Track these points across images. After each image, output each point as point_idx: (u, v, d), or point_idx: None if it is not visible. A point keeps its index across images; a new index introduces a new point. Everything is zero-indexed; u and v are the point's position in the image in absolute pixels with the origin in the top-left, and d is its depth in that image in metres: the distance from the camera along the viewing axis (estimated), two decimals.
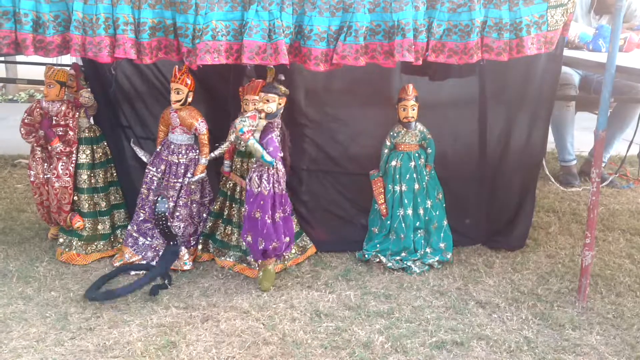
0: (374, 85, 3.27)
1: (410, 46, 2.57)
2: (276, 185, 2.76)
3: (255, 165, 2.78)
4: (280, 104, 2.76)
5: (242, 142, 2.76)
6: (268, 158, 2.68)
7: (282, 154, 2.79)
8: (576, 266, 3.08)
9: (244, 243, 2.88)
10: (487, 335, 2.50)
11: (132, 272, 3.01)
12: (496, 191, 3.33)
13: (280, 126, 2.82)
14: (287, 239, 2.86)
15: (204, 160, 3.07)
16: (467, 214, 3.35)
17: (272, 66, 2.76)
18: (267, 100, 2.72)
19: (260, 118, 2.72)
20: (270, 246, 2.77)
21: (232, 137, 2.79)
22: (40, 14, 2.54)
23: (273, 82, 2.79)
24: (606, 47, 3.35)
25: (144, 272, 2.99)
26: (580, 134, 4.67)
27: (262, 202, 2.73)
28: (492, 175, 3.33)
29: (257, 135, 2.72)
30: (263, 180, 2.73)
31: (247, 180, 2.79)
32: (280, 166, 2.78)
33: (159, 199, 2.99)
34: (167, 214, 2.98)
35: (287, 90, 2.84)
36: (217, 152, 2.95)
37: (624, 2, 2.51)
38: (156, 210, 2.98)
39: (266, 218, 2.74)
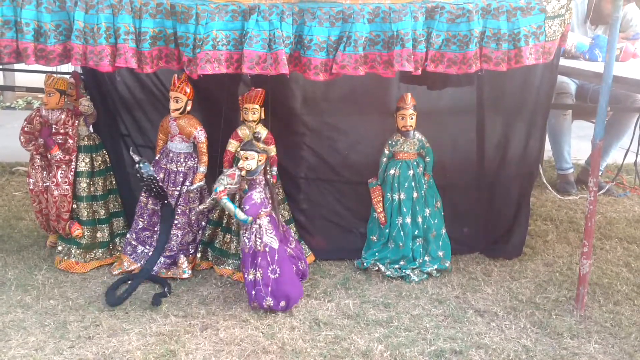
0: (372, 94, 3.29)
1: (409, 56, 2.59)
2: (258, 242, 2.70)
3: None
4: (260, 161, 2.77)
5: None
6: (241, 216, 2.69)
7: (267, 209, 2.75)
8: (574, 274, 3.09)
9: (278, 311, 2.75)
10: (485, 344, 2.51)
11: (129, 282, 3.00)
12: (494, 199, 3.35)
13: (262, 183, 2.80)
14: (282, 302, 2.73)
15: (202, 169, 3.08)
16: (465, 223, 3.37)
17: (247, 125, 2.85)
18: (247, 158, 2.73)
19: (239, 176, 2.75)
20: (265, 304, 2.70)
21: (213, 194, 2.78)
22: (42, 24, 2.55)
23: (251, 140, 2.81)
24: (602, 57, 3.38)
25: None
26: (577, 142, 4.70)
27: (244, 260, 2.73)
28: (490, 183, 3.35)
29: (245, 188, 2.78)
30: (244, 237, 2.73)
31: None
32: (263, 221, 2.71)
33: (140, 164, 2.93)
34: (153, 174, 2.92)
35: (266, 148, 2.89)
36: (202, 207, 2.94)
37: (620, 12, 2.54)
38: (144, 174, 2.91)
39: (247, 276, 2.71)
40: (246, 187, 2.78)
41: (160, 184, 2.95)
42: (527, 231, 3.38)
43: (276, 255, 2.73)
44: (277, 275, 2.72)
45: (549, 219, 3.90)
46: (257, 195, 2.72)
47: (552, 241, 3.56)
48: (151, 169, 2.92)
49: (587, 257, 2.70)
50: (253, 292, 2.71)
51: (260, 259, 2.71)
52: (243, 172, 2.74)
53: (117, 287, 2.92)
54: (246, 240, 2.72)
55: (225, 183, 2.70)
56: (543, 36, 2.67)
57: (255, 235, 2.72)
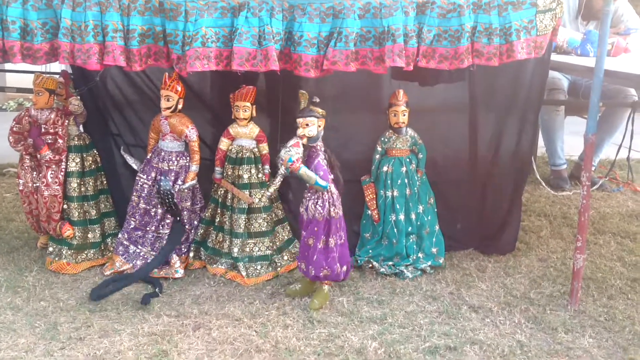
0: (364, 91, 3.28)
1: (400, 51, 2.57)
2: (332, 209, 2.69)
3: (309, 193, 2.71)
4: (319, 126, 2.71)
5: (291, 172, 2.65)
6: (322, 183, 2.63)
7: (332, 176, 2.72)
8: (568, 269, 3.08)
9: (298, 269, 2.82)
10: (480, 340, 2.50)
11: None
12: (487, 195, 3.34)
13: (324, 149, 2.76)
14: (344, 267, 2.77)
15: (194, 168, 3.06)
16: (458, 219, 3.36)
17: (302, 91, 2.74)
18: (307, 125, 2.66)
19: (302, 144, 2.66)
20: (321, 274, 2.72)
21: (282, 170, 2.61)
22: (28, 21, 2.53)
23: (308, 106, 2.73)
24: (594, 52, 3.38)
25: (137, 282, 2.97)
26: (570, 138, 4.70)
27: (315, 229, 2.68)
28: (483, 179, 3.34)
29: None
30: (318, 206, 2.67)
31: (301, 209, 2.74)
32: (333, 189, 2.71)
33: (161, 177, 2.94)
34: (170, 190, 2.91)
35: (324, 112, 2.77)
36: (272, 189, 2.80)
37: (611, 7, 2.53)
38: (161, 188, 2.90)
39: (318, 245, 2.70)
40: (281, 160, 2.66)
41: (175, 200, 2.93)
42: (519, 226, 3.37)
43: (342, 222, 2.77)
44: (342, 241, 2.77)
45: (543, 214, 3.90)
46: (323, 161, 2.69)
47: (546, 237, 3.56)
48: (170, 184, 2.90)
49: (581, 251, 2.69)
50: (327, 260, 2.70)
51: (333, 226, 2.70)
52: (304, 140, 2.66)
53: (105, 285, 2.89)
54: (320, 209, 2.66)
55: (293, 153, 2.58)
56: (534, 30, 2.67)
57: (329, 203, 2.68)
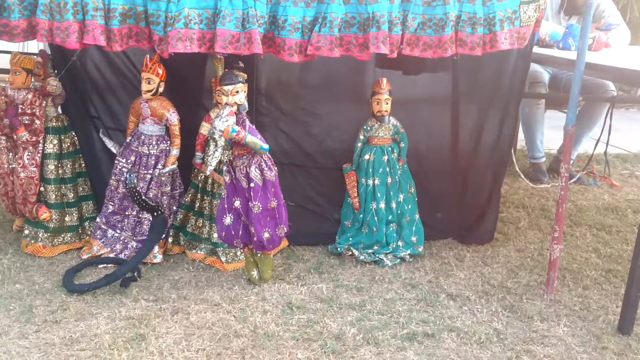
0: (348, 79, 3.27)
1: (385, 38, 2.57)
2: (274, 168, 2.68)
3: (243, 159, 2.63)
4: (245, 92, 2.67)
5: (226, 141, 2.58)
6: (265, 145, 2.60)
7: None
8: (545, 260, 3.13)
9: (263, 242, 2.69)
10: (457, 327, 2.52)
11: (100, 265, 2.95)
12: (467, 186, 3.36)
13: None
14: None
15: (175, 152, 3.03)
16: (438, 208, 3.38)
17: (218, 57, 2.65)
18: (237, 92, 2.63)
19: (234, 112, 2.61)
20: (288, 229, 2.72)
21: (221, 142, 2.52)
22: None
23: (233, 70, 2.66)
24: (576, 46, 3.40)
25: (113, 265, 2.94)
26: (550, 132, 4.75)
27: (273, 190, 2.66)
28: (463, 170, 3.36)
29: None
30: (264, 168, 2.64)
31: (242, 178, 2.65)
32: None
33: (127, 174, 2.87)
34: (135, 186, 2.83)
35: (246, 75, 2.72)
36: (214, 162, 2.61)
37: (594, 1, 2.55)
38: (127, 185, 2.83)
39: (282, 202, 2.68)
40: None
41: (144, 197, 2.85)
42: (498, 217, 3.40)
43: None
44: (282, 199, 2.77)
45: (521, 206, 3.94)
46: (252, 125, 2.65)
47: (524, 228, 3.60)
48: (134, 180, 2.82)
49: (558, 242, 2.73)
50: (282, 218, 2.70)
51: (274, 188, 2.68)
52: (234, 108, 2.60)
53: (79, 269, 2.84)
54: (268, 171, 2.64)
55: (232, 123, 2.51)
56: (518, 21, 2.68)
57: (272, 163, 2.68)
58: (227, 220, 2.73)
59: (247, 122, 2.66)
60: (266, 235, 2.71)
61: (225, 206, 2.73)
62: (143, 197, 2.83)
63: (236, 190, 2.71)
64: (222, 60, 2.72)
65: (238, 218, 2.72)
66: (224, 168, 2.76)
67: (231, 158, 2.72)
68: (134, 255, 2.90)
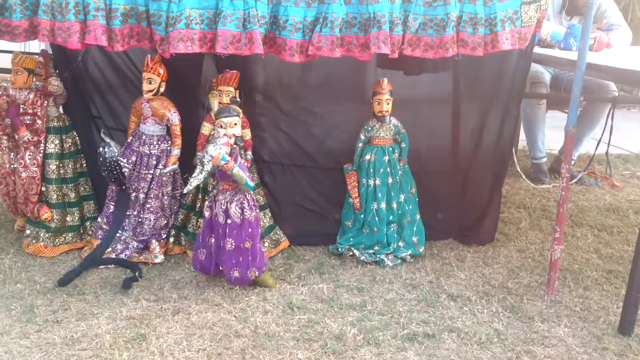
0: (349, 79, 3.27)
1: (386, 38, 2.57)
2: (255, 209, 2.66)
3: (223, 195, 2.63)
4: (241, 125, 2.72)
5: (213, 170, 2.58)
6: (251, 183, 2.59)
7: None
8: (545, 261, 3.12)
9: (229, 281, 2.71)
10: (458, 328, 2.52)
11: (101, 266, 2.95)
12: (468, 186, 3.36)
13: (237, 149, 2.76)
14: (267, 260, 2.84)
15: (176, 152, 3.03)
16: (439, 209, 3.38)
17: (214, 91, 2.78)
18: (236, 124, 2.66)
19: (231, 144, 2.62)
20: (262, 272, 2.73)
21: (208, 167, 2.50)
22: None
23: (230, 105, 2.74)
24: (577, 46, 3.40)
25: (114, 265, 2.94)
26: (551, 132, 4.75)
27: (250, 230, 2.63)
28: (464, 170, 3.36)
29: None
30: (245, 208, 2.62)
31: (221, 213, 2.63)
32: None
33: (105, 148, 2.81)
34: (117, 159, 2.81)
35: (242, 131, 2.84)
36: (194, 183, 2.56)
37: (595, 1, 2.55)
38: (107, 157, 2.79)
39: (257, 245, 2.67)
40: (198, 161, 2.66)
41: (124, 170, 2.83)
42: (499, 218, 3.40)
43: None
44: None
45: (522, 206, 3.94)
46: (243, 163, 2.65)
47: (525, 228, 3.60)
48: (115, 153, 2.80)
49: (559, 242, 2.73)
50: (255, 261, 2.68)
51: (251, 229, 2.65)
52: (232, 140, 2.63)
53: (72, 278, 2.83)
54: (248, 210, 2.62)
55: (225, 152, 2.53)
56: (519, 21, 2.68)
57: (254, 204, 2.66)
58: (202, 256, 2.74)
59: (240, 159, 2.64)
60: (235, 274, 2.68)
61: (201, 241, 2.74)
62: (122, 171, 2.81)
63: (212, 228, 2.70)
64: (216, 96, 2.82)
65: (210, 255, 2.72)
66: (206, 203, 2.75)
67: (215, 193, 2.71)
68: (106, 235, 2.95)
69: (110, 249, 3.04)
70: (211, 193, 2.78)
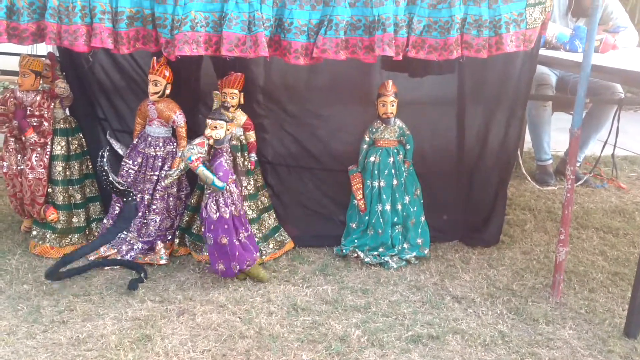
0: (353, 81, 3.27)
1: (390, 41, 2.57)
2: (232, 208, 2.73)
3: (208, 192, 2.74)
4: (228, 130, 2.75)
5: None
6: (219, 183, 2.66)
7: (233, 177, 2.79)
8: (550, 263, 3.12)
9: (217, 274, 2.80)
10: (462, 330, 2.52)
11: (107, 268, 2.96)
12: (473, 188, 3.36)
13: (228, 151, 2.80)
14: (257, 254, 2.87)
15: (181, 153, 3.04)
16: (444, 211, 3.37)
17: (216, 92, 2.84)
18: (216, 127, 2.70)
19: (208, 144, 2.72)
20: (245, 266, 2.77)
21: (182, 165, 2.77)
22: (15, 1, 2.49)
23: (220, 108, 2.80)
24: (582, 48, 3.39)
25: (119, 267, 2.96)
26: (557, 134, 4.73)
27: (225, 226, 2.71)
28: (469, 172, 3.36)
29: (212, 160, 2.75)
30: (220, 204, 2.71)
31: (204, 209, 2.74)
32: (233, 188, 2.77)
33: (102, 163, 2.83)
34: (104, 168, 2.81)
35: (233, 117, 2.91)
36: (167, 181, 2.91)
37: (600, 2, 2.55)
38: (97, 166, 2.84)
39: (234, 240, 2.73)
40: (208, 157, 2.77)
41: (111, 178, 2.81)
42: (504, 220, 3.40)
43: (244, 217, 2.85)
44: (248, 233, 2.85)
45: (528, 208, 3.93)
46: (225, 162, 2.72)
47: (530, 230, 3.59)
48: (103, 162, 2.80)
49: (564, 244, 2.72)
50: (234, 256, 2.73)
51: (237, 222, 2.75)
52: (211, 141, 2.71)
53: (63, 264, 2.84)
54: (223, 207, 2.70)
55: (196, 152, 2.66)
56: (524, 24, 2.68)
57: (230, 202, 2.73)
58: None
59: (223, 158, 2.72)
60: (220, 267, 2.76)
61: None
62: (110, 179, 2.82)
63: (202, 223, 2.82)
64: (219, 96, 2.89)
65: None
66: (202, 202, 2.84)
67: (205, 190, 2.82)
68: (100, 236, 2.98)
69: (115, 249, 3.06)
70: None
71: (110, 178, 2.77)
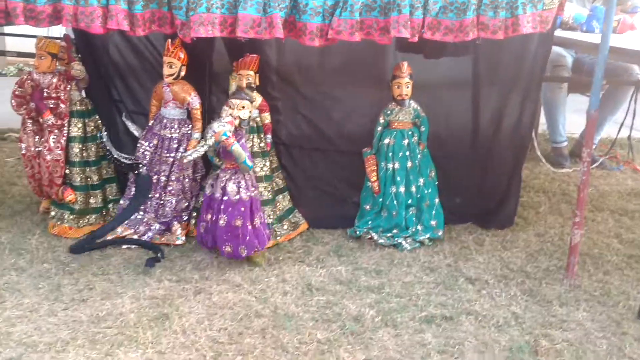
0: (368, 63, 3.26)
1: (406, 22, 2.56)
2: (252, 190, 2.75)
3: (225, 173, 2.74)
4: (250, 111, 2.76)
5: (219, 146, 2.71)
6: (250, 162, 2.68)
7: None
8: (565, 245, 3.12)
9: (222, 254, 2.81)
10: (475, 311, 2.54)
11: (124, 246, 3.01)
12: (487, 170, 3.35)
13: (245, 133, 2.81)
14: (268, 241, 2.90)
15: (197, 135, 3.06)
16: (458, 192, 3.37)
17: (233, 74, 2.86)
18: (243, 107, 2.71)
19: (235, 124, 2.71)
20: (253, 252, 2.79)
21: (210, 141, 2.66)
22: None
23: (244, 88, 2.80)
24: (600, 28, 3.36)
25: (136, 246, 3.00)
26: (572, 116, 4.70)
27: (242, 209, 2.73)
28: (484, 154, 3.35)
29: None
30: (241, 187, 2.72)
31: (219, 190, 2.74)
32: (251, 171, 2.79)
33: (102, 138, 2.85)
34: (104, 143, 2.84)
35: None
36: (194, 155, 2.76)
37: None
38: (107, 149, 2.86)
39: (247, 225, 2.74)
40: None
41: (115, 155, 2.83)
42: (518, 201, 3.39)
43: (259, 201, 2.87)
44: (263, 219, 2.85)
45: (542, 190, 3.92)
46: (246, 144, 2.73)
47: (545, 212, 3.58)
48: (105, 137, 2.80)
49: (579, 226, 2.72)
50: (258, 238, 2.77)
51: (254, 205, 2.77)
52: (237, 122, 2.71)
53: (102, 245, 2.93)
54: (244, 190, 2.72)
55: (228, 129, 2.63)
56: (541, 4, 2.64)
57: (252, 183, 2.75)
58: (201, 229, 2.84)
59: (243, 140, 2.73)
60: (227, 249, 2.76)
61: (202, 215, 2.84)
62: (115, 156, 2.85)
63: (210, 204, 2.79)
64: (236, 79, 2.90)
65: (207, 229, 2.81)
66: (209, 181, 2.85)
67: (219, 172, 2.81)
68: (120, 214, 3.03)
69: (132, 230, 3.10)
70: (214, 172, 2.87)
71: (115, 155, 2.81)
